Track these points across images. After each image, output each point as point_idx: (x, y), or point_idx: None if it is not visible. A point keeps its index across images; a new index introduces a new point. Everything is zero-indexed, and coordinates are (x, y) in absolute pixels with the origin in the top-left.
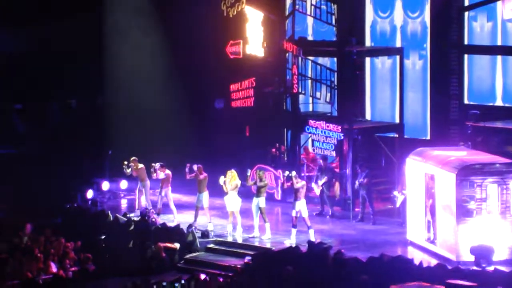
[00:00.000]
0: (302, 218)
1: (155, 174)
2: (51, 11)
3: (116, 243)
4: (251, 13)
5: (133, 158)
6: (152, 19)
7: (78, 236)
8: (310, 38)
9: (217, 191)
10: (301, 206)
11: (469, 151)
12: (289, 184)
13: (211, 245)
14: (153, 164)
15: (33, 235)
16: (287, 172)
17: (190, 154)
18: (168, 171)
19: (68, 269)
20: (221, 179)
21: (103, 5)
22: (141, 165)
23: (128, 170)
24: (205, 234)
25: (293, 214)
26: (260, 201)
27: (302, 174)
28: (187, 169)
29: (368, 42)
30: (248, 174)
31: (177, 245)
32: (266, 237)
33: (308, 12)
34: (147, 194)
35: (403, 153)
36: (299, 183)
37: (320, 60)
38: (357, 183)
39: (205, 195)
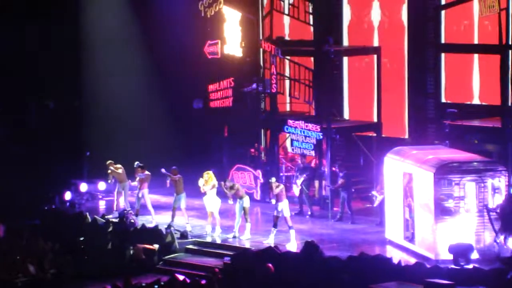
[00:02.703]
0: (283, 218)
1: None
2: (28, 12)
3: (94, 244)
4: (228, 13)
5: (109, 161)
6: (129, 20)
7: (56, 238)
8: (287, 37)
9: (196, 192)
10: (283, 207)
11: (447, 150)
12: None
13: (190, 246)
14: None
15: (11, 237)
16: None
17: (168, 155)
18: (147, 172)
19: (46, 271)
20: (201, 181)
21: (80, 6)
22: (119, 167)
23: (110, 181)
24: (184, 235)
25: (275, 213)
26: (245, 201)
27: (281, 174)
28: (167, 178)
29: (345, 42)
30: (223, 185)
31: (156, 246)
32: (245, 237)
33: (286, 12)
34: (126, 195)
35: (381, 152)
36: (278, 188)
37: (298, 59)
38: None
39: (183, 197)
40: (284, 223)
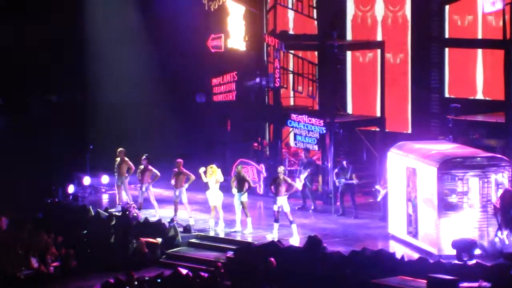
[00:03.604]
0: (284, 212)
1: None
2: (30, 7)
3: (97, 238)
4: (232, 6)
5: (120, 149)
6: (132, 14)
7: (59, 231)
8: (291, 31)
9: (199, 186)
10: (282, 201)
11: (450, 145)
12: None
13: (193, 240)
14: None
15: (14, 230)
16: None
17: (171, 149)
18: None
19: (49, 264)
20: (201, 169)
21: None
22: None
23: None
24: (187, 229)
25: (275, 208)
26: (243, 195)
27: (284, 169)
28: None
29: (349, 36)
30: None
31: (159, 240)
32: (248, 231)
33: (290, 6)
34: (127, 188)
35: (384, 147)
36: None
37: (302, 53)
38: (342, 180)
39: (183, 190)
40: (286, 218)
